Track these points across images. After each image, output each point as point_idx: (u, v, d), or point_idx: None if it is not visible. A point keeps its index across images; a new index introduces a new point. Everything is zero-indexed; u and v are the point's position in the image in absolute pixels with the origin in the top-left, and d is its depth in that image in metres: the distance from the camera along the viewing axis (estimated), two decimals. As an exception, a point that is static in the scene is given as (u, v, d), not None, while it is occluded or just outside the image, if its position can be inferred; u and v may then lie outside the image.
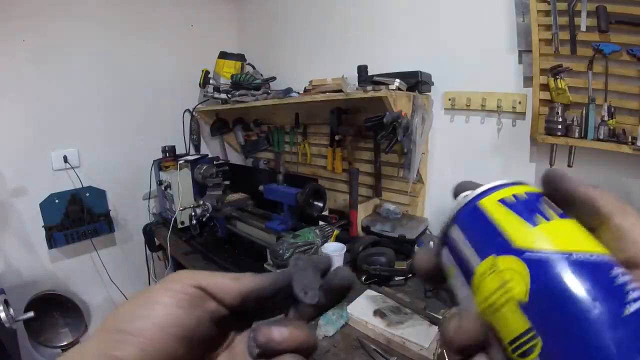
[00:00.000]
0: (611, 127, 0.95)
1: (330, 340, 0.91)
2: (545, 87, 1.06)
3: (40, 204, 1.63)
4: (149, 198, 2.01)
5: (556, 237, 0.16)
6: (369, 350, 0.87)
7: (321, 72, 1.67)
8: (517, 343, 0.15)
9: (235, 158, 2.35)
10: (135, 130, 1.94)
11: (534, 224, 0.17)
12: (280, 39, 2.06)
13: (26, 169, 1.62)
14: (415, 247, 1.29)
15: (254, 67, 2.05)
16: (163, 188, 1.78)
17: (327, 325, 0.93)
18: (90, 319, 1.87)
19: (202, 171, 1.68)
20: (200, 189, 1.74)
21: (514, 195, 0.19)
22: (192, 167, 1.73)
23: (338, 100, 1.46)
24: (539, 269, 0.15)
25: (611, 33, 0.94)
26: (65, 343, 1.71)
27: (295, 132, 1.94)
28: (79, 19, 1.69)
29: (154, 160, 1.85)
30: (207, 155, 1.97)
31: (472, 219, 0.19)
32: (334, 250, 1.19)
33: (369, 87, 1.24)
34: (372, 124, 1.25)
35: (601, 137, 0.96)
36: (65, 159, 1.69)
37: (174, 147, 1.90)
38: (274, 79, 1.88)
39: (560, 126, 1.02)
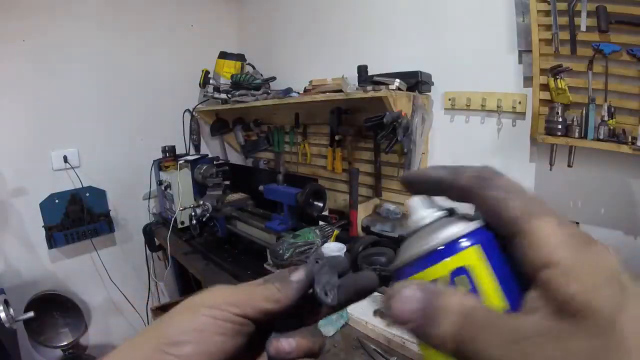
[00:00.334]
0: (611, 127, 0.95)
1: (330, 340, 0.91)
2: (545, 87, 1.06)
3: (40, 204, 1.63)
4: (149, 198, 2.01)
5: None
6: (369, 350, 0.87)
7: (321, 72, 1.68)
8: None
9: (235, 158, 2.35)
10: (135, 130, 1.94)
11: None
12: (280, 39, 2.06)
13: (26, 169, 1.62)
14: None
15: (254, 67, 2.05)
16: (163, 188, 1.78)
17: (327, 325, 0.92)
18: (90, 319, 1.87)
19: (202, 171, 1.68)
20: (200, 189, 1.74)
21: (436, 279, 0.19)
22: (192, 167, 1.73)
23: (338, 100, 1.46)
24: None
25: (611, 33, 0.94)
26: (65, 343, 1.72)
27: (295, 132, 1.94)
28: (79, 19, 1.69)
29: (154, 160, 1.85)
30: (207, 155, 1.97)
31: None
32: (334, 250, 1.18)
33: (369, 87, 1.24)
34: (372, 124, 1.25)
35: (601, 137, 0.96)
36: (65, 159, 1.69)
37: (174, 147, 1.90)
38: (274, 79, 1.88)
39: (560, 126, 1.02)
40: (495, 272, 0.18)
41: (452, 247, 0.19)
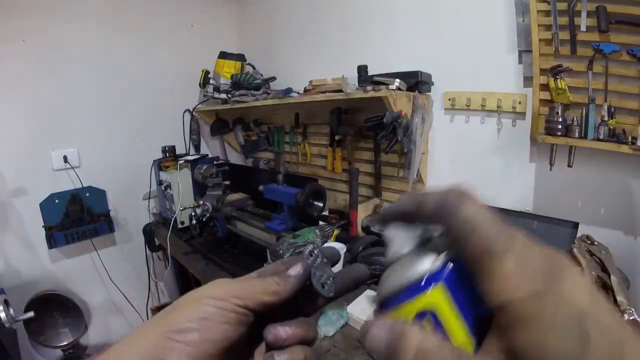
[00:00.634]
0: (611, 127, 0.95)
1: (330, 340, 0.91)
2: (545, 87, 1.06)
3: (40, 204, 1.63)
4: (149, 198, 2.01)
5: None
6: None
7: (321, 72, 1.68)
8: None
9: (235, 158, 2.35)
10: (135, 130, 1.94)
11: None
12: (280, 39, 2.06)
13: (26, 169, 1.62)
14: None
15: (254, 67, 2.05)
16: (163, 188, 1.78)
17: (327, 325, 0.92)
18: (90, 319, 1.87)
19: (202, 171, 1.68)
20: (200, 189, 1.74)
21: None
22: (192, 167, 1.73)
23: (338, 100, 1.46)
24: None
25: (611, 33, 0.94)
26: (65, 343, 1.72)
27: (295, 132, 1.94)
28: (79, 19, 1.69)
29: (154, 160, 1.85)
30: (207, 155, 1.97)
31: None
32: (334, 250, 1.18)
33: (369, 87, 1.24)
34: (372, 124, 1.25)
35: (601, 137, 0.96)
36: (65, 159, 1.69)
37: (174, 147, 1.90)
38: (274, 79, 1.88)
39: (560, 126, 1.02)
40: (459, 309, 0.19)
41: (416, 288, 0.20)
